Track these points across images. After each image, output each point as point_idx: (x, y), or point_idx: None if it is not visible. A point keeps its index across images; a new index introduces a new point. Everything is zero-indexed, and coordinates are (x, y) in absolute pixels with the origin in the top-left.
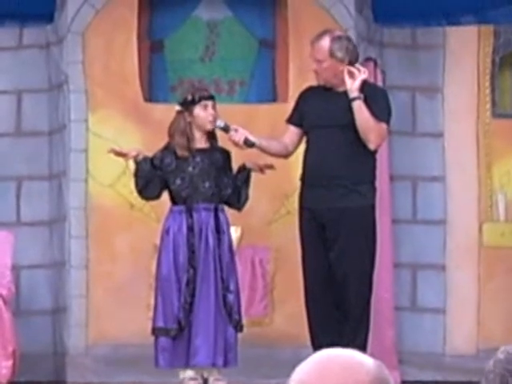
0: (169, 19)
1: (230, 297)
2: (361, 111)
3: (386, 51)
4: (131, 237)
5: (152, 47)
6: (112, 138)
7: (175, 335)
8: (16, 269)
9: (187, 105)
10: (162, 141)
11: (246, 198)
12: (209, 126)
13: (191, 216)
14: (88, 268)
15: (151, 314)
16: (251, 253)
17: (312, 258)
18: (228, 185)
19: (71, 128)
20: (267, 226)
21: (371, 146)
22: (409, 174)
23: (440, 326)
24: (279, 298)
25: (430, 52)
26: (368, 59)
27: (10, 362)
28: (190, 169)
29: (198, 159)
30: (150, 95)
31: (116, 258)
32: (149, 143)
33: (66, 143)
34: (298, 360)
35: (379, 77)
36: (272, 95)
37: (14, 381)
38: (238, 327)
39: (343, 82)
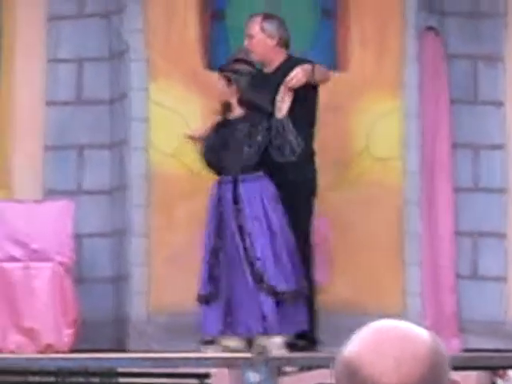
0: None
1: (259, 264)
2: None
3: (448, 20)
4: (192, 205)
5: (213, 15)
6: (173, 107)
7: (211, 302)
8: (78, 237)
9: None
10: None
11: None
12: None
13: (220, 186)
14: (149, 236)
15: None
16: None
17: None
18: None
19: (132, 97)
20: (327, 194)
21: None
22: (470, 142)
23: (501, 294)
24: (339, 265)
25: (491, 20)
26: (429, 28)
27: (71, 330)
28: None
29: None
30: (211, 63)
31: (176, 227)
32: (209, 111)
33: (126, 112)
34: (358, 327)
35: (440, 46)
36: (332, 65)
37: (75, 348)
38: (275, 294)
39: (273, 60)
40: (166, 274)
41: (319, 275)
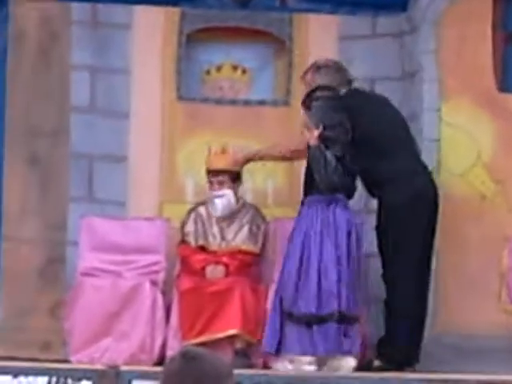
0: None
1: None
2: None
3: None
4: (482, 227)
5: (506, 38)
6: (464, 127)
7: None
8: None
9: None
10: None
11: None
12: None
13: None
14: (437, 257)
15: (500, 305)
16: None
17: None
18: None
19: (424, 117)
20: None
21: None
22: None
23: None
24: None
25: None
26: None
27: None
28: None
29: None
30: (504, 85)
31: (466, 248)
32: (502, 133)
33: (418, 132)
34: None
35: None
36: None
37: None
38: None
39: None
40: (454, 294)
41: None
